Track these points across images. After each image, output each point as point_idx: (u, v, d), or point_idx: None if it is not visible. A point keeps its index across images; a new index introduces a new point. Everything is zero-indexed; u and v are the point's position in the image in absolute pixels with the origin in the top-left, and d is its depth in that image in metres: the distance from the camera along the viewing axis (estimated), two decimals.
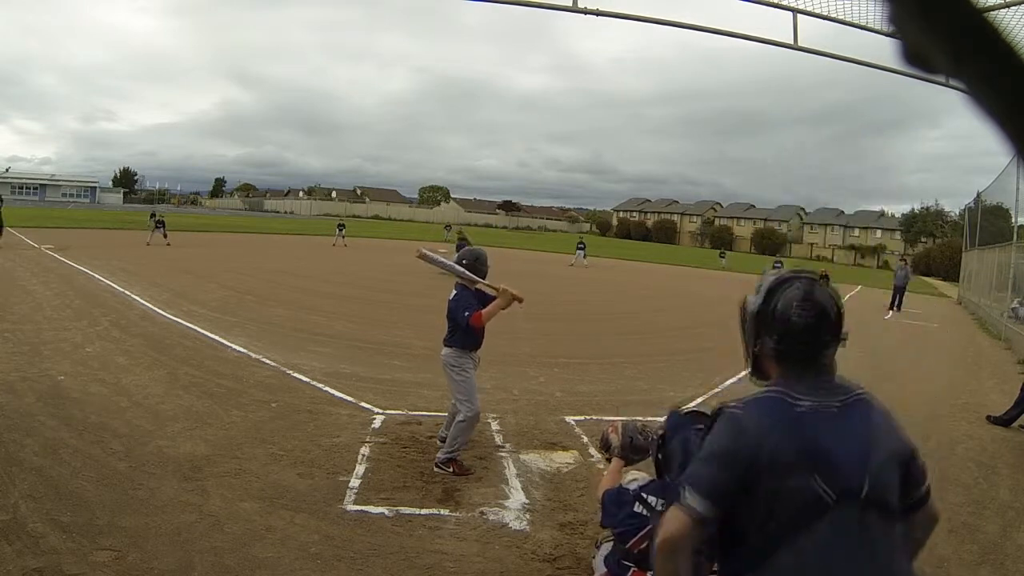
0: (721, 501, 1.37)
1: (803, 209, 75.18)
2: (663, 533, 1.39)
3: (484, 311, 3.99)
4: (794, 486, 1.34)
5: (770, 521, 1.35)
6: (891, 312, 17.21)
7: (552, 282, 18.92)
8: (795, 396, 1.41)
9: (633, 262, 32.78)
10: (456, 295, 4.12)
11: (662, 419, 2.09)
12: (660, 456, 2.11)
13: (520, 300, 4.10)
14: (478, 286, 4.15)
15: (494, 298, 4.10)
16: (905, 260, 20.33)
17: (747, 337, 1.56)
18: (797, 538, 1.33)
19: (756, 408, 1.43)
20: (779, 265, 21.96)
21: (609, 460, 2.78)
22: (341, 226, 27.97)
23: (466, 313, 3.97)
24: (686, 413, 2.12)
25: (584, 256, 26.58)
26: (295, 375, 6.01)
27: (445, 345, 4.17)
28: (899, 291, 17.94)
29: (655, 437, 2.23)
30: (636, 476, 2.53)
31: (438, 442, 4.33)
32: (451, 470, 4.01)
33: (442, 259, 4.23)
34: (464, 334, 4.05)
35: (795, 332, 1.45)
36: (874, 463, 1.36)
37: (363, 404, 5.27)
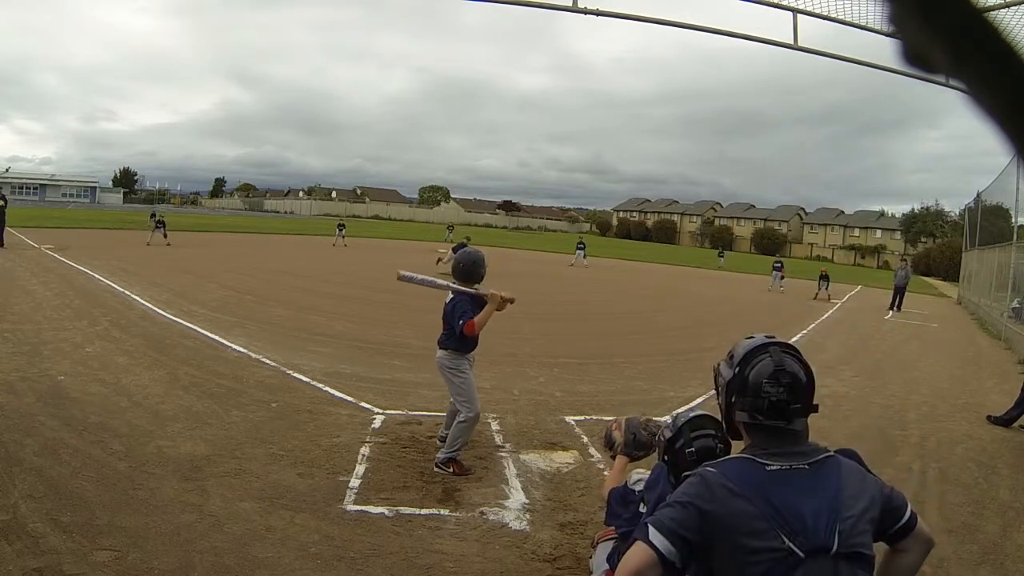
0: (683, 548, 1.41)
1: (803, 209, 75.20)
2: (624, 565, 1.42)
3: (477, 318, 3.99)
4: (764, 545, 1.39)
5: (742, 574, 1.41)
6: (891, 312, 17.21)
7: (552, 282, 18.91)
8: (765, 458, 1.47)
9: (633, 262, 32.79)
10: (453, 299, 4.10)
11: (666, 418, 2.09)
12: (667, 459, 2.11)
13: (511, 301, 4.12)
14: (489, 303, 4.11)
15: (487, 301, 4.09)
16: (905, 260, 20.34)
17: (721, 402, 1.63)
18: None
19: (727, 470, 1.48)
20: (779, 265, 21.96)
21: (613, 458, 2.77)
22: (341, 226, 28.08)
23: (461, 321, 3.97)
24: (695, 418, 2.11)
25: (584, 256, 26.68)
26: (295, 375, 6.01)
27: (440, 347, 4.16)
28: (899, 291, 17.95)
29: (661, 436, 2.22)
30: (642, 475, 2.52)
31: (438, 442, 4.33)
32: (451, 470, 4.01)
33: (422, 277, 4.17)
34: (460, 338, 4.04)
35: (767, 406, 1.49)
36: (845, 519, 1.41)
37: (363, 404, 5.27)
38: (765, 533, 1.39)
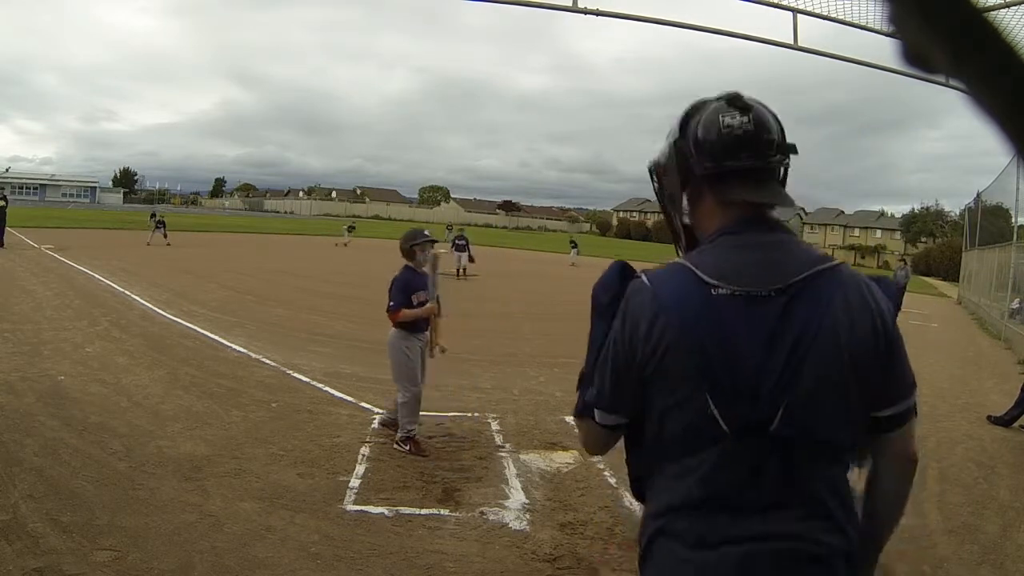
0: (635, 406, 1.13)
1: (803, 209, 74.09)
2: (586, 450, 1.31)
3: (406, 311, 4.21)
4: (682, 399, 1.05)
5: (661, 431, 1.09)
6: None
7: (552, 282, 18.91)
8: (714, 272, 1.07)
9: (634, 262, 32.73)
10: (394, 279, 4.31)
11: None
12: None
13: (437, 316, 4.40)
14: (429, 305, 4.33)
15: (427, 282, 4.35)
16: (904, 260, 20.36)
17: (669, 202, 1.22)
18: (683, 461, 1.07)
19: (661, 287, 1.10)
20: None
21: None
22: (351, 227, 29.41)
23: (392, 304, 4.21)
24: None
25: (577, 254, 27.72)
26: (295, 375, 6.01)
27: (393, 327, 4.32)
28: (899, 291, 17.96)
29: None
30: None
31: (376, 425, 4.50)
32: (408, 448, 4.15)
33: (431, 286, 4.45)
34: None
35: (731, 141, 1.10)
36: (802, 385, 1.01)
37: (363, 404, 5.26)
38: (685, 385, 1.05)
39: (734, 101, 1.12)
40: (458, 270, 16.71)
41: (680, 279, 1.09)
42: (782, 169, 1.15)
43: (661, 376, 1.07)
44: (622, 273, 1.21)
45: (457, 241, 17.44)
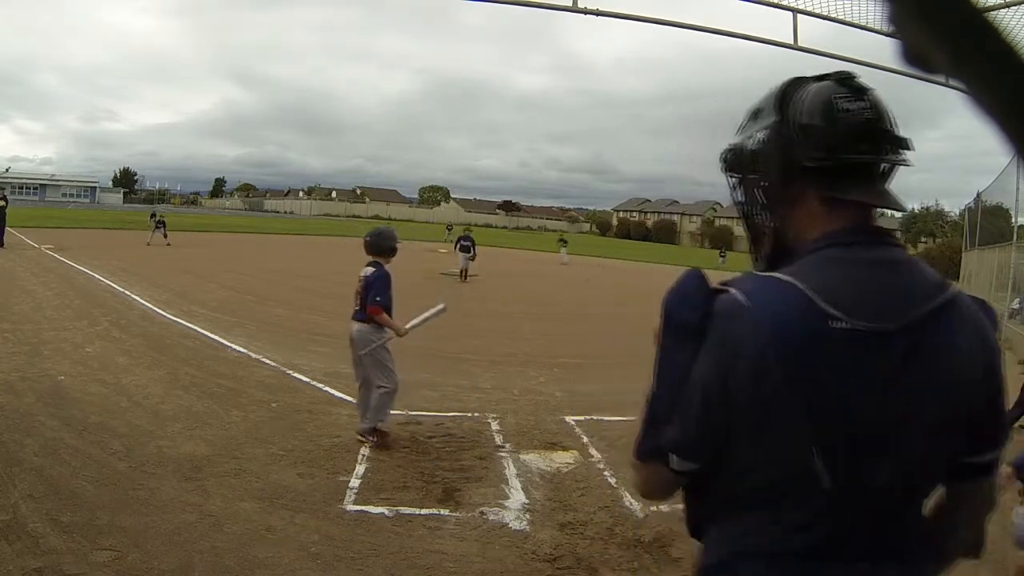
0: (716, 453, 0.94)
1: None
2: (642, 494, 1.09)
3: (383, 316, 4.29)
4: (779, 449, 0.89)
5: (742, 479, 0.93)
6: None
7: (552, 282, 18.92)
8: (831, 298, 0.87)
9: (636, 262, 32.78)
10: (376, 272, 4.34)
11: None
12: None
13: (400, 335, 4.45)
14: (409, 325, 4.45)
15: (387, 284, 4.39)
16: None
17: (756, 199, 1.01)
18: (766, 512, 0.92)
19: (767, 310, 0.88)
20: None
21: None
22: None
23: (377, 297, 4.24)
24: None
25: (567, 253, 28.45)
26: (295, 375, 6.01)
27: (358, 321, 4.32)
28: None
29: None
30: None
31: (357, 437, 4.40)
32: (373, 439, 4.19)
33: (422, 317, 4.65)
34: (385, 311, 4.27)
35: (849, 134, 0.90)
36: (914, 436, 0.88)
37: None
38: (797, 435, 0.87)
39: (848, 81, 0.94)
40: (462, 272, 16.32)
41: (788, 303, 0.88)
42: (887, 167, 0.96)
43: (757, 422, 0.89)
44: (702, 284, 0.97)
45: (462, 242, 16.79)
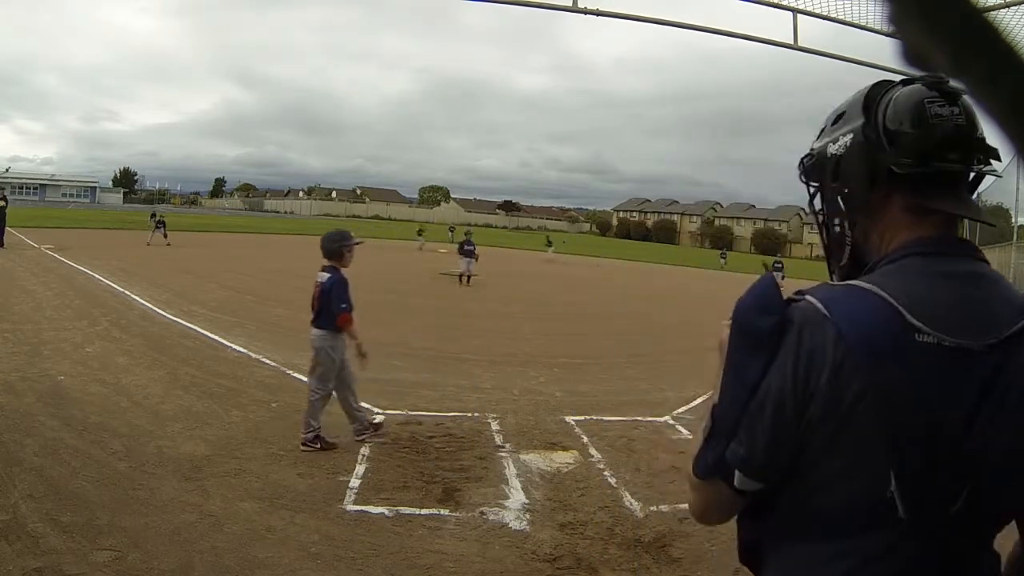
0: (783, 472, 0.87)
1: (803, 209, 74.83)
2: (696, 516, 0.98)
3: (352, 327, 4.26)
4: (852, 472, 0.83)
5: (807, 503, 0.87)
6: None
7: (552, 282, 18.92)
8: (918, 311, 0.81)
9: (635, 263, 32.78)
10: (332, 278, 4.28)
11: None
12: None
13: (361, 352, 4.32)
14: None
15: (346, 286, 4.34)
16: None
17: (838, 206, 0.96)
18: (835, 542, 0.85)
19: (851, 320, 0.82)
20: (780, 265, 21.98)
21: None
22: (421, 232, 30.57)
23: (343, 306, 4.20)
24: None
25: (552, 251, 29.30)
26: (295, 375, 6.00)
27: (316, 327, 4.28)
28: None
29: None
30: None
31: (355, 437, 4.38)
32: (319, 446, 4.16)
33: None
34: (332, 314, 4.21)
35: (940, 141, 0.86)
36: (996, 461, 0.82)
37: (363, 404, 5.26)
38: (873, 455, 0.81)
39: (940, 85, 0.88)
40: (461, 276, 15.87)
41: (872, 313, 0.83)
42: (976, 177, 0.93)
43: (832, 437, 0.83)
44: (775, 294, 0.90)
45: (465, 246, 16.23)
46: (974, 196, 0.93)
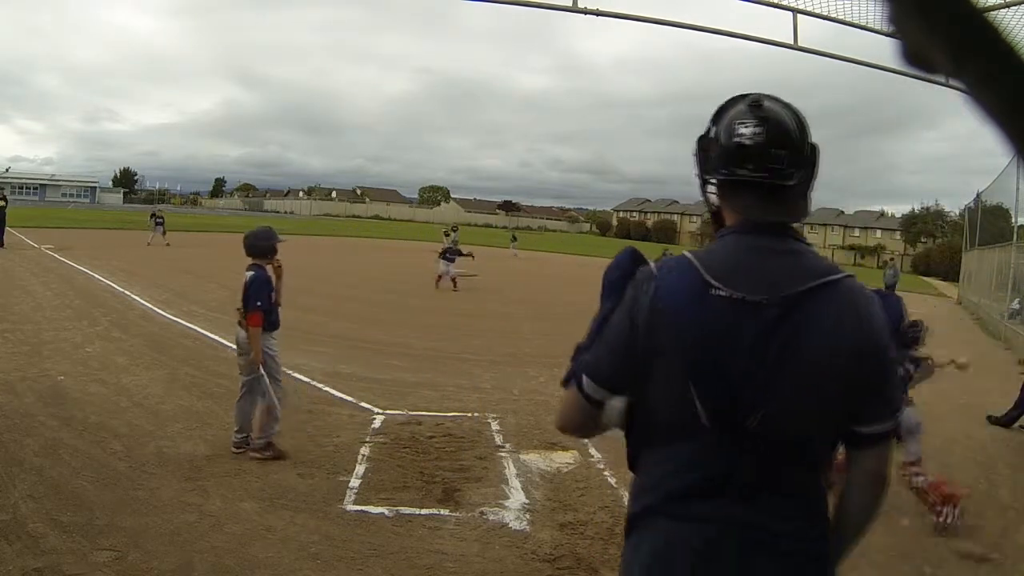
0: (622, 386, 1.17)
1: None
2: (558, 423, 1.30)
3: (257, 329, 3.97)
4: (670, 391, 1.11)
5: (649, 417, 1.15)
6: None
7: (552, 282, 18.91)
8: (717, 274, 1.09)
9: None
10: (253, 275, 4.05)
11: None
12: None
13: (257, 360, 4.02)
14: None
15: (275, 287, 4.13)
16: (892, 260, 20.67)
17: (700, 184, 1.26)
18: (670, 446, 1.13)
19: (667, 279, 1.13)
20: None
21: None
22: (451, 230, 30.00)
23: (258, 303, 3.97)
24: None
25: (516, 247, 29.76)
26: (295, 375, 6.00)
27: (241, 326, 4.06)
28: (891, 290, 18.13)
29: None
30: None
31: (233, 450, 4.08)
32: (270, 454, 3.98)
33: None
34: (265, 314, 4.01)
35: (740, 151, 1.12)
36: (785, 389, 1.06)
37: (363, 404, 5.26)
38: (675, 377, 1.09)
39: (754, 108, 1.13)
40: (439, 277, 14.25)
41: (684, 275, 1.12)
42: (800, 179, 1.13)
43: (654, 366, 1.12)
44: (633, 256, 1.26)
45: (447, 254, 14.46)
46: (786, 196, 1.15)
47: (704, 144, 1.21)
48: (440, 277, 14.30)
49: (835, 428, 1.13)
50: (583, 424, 1.25)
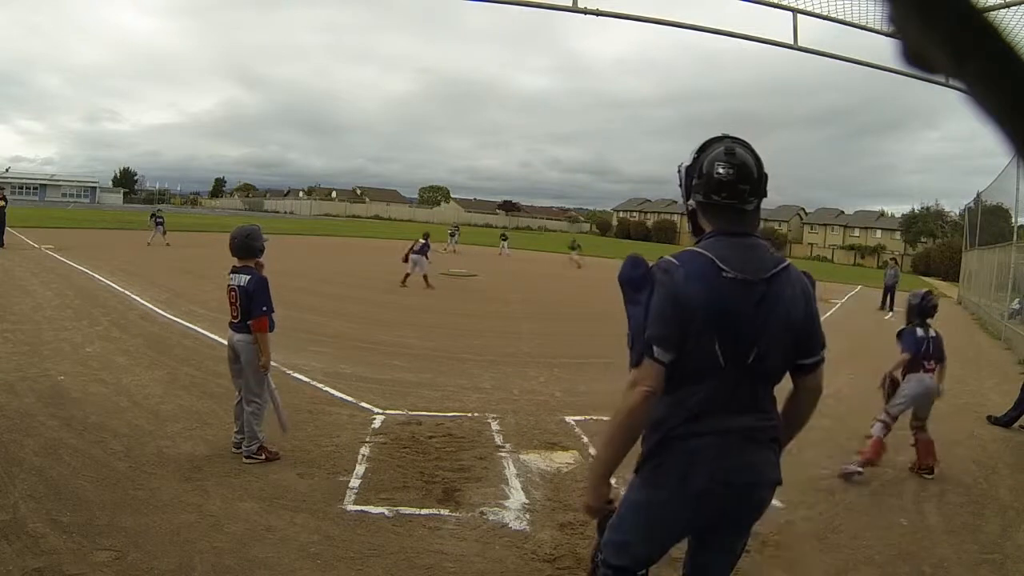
0: (680, 348, 1.62)
1: (803, 209, 75.16)
2: (646, 388, 1.61)
3: (266, 335, 3.99)
4: (702, 346, 1.61)
5: (677, 367, 1.62)
6: (890, 313, 17.22)
7: (552, 282, 18.92)
8: (724, 262, 1.62)
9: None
10: (254, 279, 4.04)
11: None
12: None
13: (264, 364, 4.03)
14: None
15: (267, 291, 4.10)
16: (894, 260, 20.74)
17: (683, 194, 1.78)
18: (692, 385, 1.65)
19: (690, 267, 1.63)
20: None
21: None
22: (453, 233, 29.59)
23: (264, 308, 3.96)
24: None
25: (506, 246, 29.45)
26: (295, 375, 6.01)
27: (239, 331, 4.00)
28: (889, 290, 18.20)
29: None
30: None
31: (233, 449, 4.09)
32: (263, 457, 3.96)
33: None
34: (258, 320, 3.97)
35: (717, 184, 1.65)
36: (769, 337, 1.63)
37: (363, 404, 5.26)
38: (705, 335, 1.60)
39: (728, 155, 1.66)
40: (405, 277, 14.03)
41: (703, 263, 1.64)
42: (756, 201, 1.70)
43: (689, 327, 1.60)
44: (641, 259, 1.73)
45: (414, 250, 14.10)
46: (753, 214, 1.72)
47: (690, 170, 1.73)
48: (409, 275, 14.08)
49: (790, 360, 1.72)
50: (661, 387, 1.63)
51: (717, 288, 1.60)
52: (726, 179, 1.63)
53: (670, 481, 1.67)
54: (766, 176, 1.70)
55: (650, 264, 1.70)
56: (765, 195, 1.70)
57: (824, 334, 1.75)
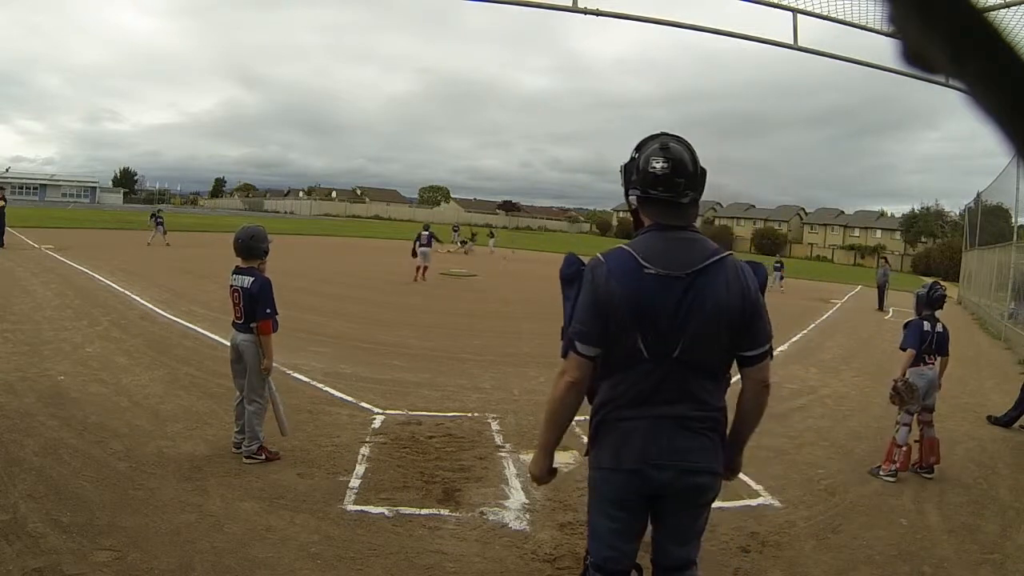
0: (602, 342, 1.72)
1: (803, 209, 75.17)
2: (569, 379, 1.76)
3: (270, 338, 4.03)
4: (625, 339, 1.69)
5: (609, 356, 1.74)
6: (891, 312, 17.22)
7: (551, 282, 18.87)
8: (647, 259, 1.69)
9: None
10: (258, 282, 4.05)
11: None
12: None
13: (267, 366, 4.06)
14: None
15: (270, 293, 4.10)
16: (885, 259, 20.78)
17: (623, 186, 1.83)
18: (621, 374, 1.74)
19: (613, 264, 1.72)
20: (780, 265, 21.94)
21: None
22: (476, 234, 30.71)
23: (268, 311, 3.99)
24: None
25: (494, 243, 30.69)
26: (295, 375, 6.00)
27: (243, 331, 4.03)
28: (880, 289, 18.23)
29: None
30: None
31: (233, 449, 4.09)
32: (263, 457, 3.96)
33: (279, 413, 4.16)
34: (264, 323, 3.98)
35: (652, 179, 1.72)
36: (694, 331, 1.67)
37: (363, 404, 5.26)
38: (628, 331, 1.68)
39: (663, 150, 1.73)
40: (418, 271, 15.08)
41: (625, 260, 1.73)
42: (692, 198, 1.77)
43: (612, 321, 1.70)
44: (576, 257, 1.91)
45: (421, 243, 15.11)
46: (687, 206, 1.79)
47: (629, 168, 1.80)
48: (423, 269, 15.13)
49: (726, 353, 1.75)
50: (584, 377, 1.76)
51: (637, 285, 1.67)
52: (661, 173, 1.70)
53: (607, 458, 1.77)
54: (703, 171, 1.77)
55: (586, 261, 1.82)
56: (702, 189, 1.77)
57: (770, 326, 1.77)
